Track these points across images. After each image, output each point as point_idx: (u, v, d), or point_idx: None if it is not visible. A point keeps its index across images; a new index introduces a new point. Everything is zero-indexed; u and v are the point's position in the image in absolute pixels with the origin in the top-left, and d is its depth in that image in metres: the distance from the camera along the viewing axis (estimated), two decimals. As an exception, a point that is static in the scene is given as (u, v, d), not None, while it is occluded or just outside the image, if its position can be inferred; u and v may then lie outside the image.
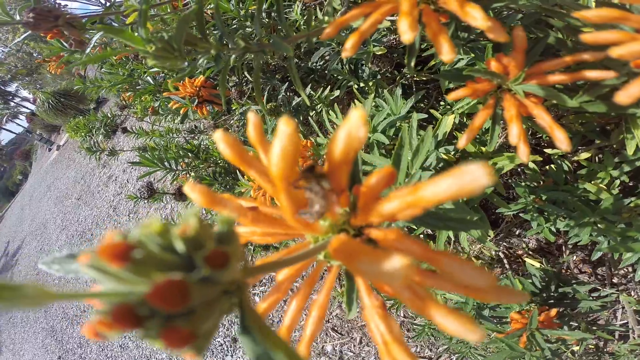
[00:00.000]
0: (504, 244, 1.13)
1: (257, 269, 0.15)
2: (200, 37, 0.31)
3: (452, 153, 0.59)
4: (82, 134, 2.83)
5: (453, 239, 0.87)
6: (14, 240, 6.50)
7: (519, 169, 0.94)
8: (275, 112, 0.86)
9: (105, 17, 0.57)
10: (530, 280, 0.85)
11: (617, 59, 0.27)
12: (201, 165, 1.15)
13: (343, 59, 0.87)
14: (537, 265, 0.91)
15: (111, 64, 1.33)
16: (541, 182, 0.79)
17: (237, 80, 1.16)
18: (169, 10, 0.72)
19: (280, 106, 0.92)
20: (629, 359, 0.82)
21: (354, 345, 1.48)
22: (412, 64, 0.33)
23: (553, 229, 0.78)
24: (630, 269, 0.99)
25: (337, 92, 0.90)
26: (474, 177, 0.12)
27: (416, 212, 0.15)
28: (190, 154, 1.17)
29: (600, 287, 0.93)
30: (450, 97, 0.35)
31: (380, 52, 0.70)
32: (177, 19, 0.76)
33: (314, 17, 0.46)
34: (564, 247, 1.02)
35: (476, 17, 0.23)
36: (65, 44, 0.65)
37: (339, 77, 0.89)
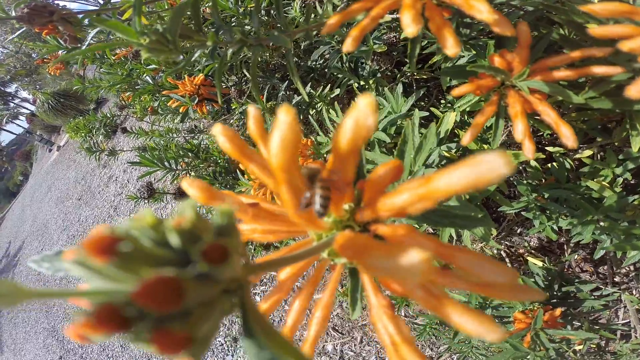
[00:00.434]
0: (506, 242, 1.12)
1: (260, 267, 0.14)
2: (196, 29, 0.31)
3: (454, 151, 0.59)
4: (82, 134, 2.83)
5: (455, 237, 0.86)
6: (15, 241, 6.50)
7: (520, 167, 0.94)
8: (275, 111, 0.85)
9: (101, 14, 0.56)
10: (532, 279, 0.84)
11: (625, 54, 0.26)
12: (201, 165, 1.14)
13: (343, 58, 0.86)
14: (540, 264, 0.91)
15: (110, 64, 1.33)
16: (543, 180, 0.78)
17: (237, 79, 1.15)
18: (166, 7, 0.72)
19: (280, 105, 0.91)
20: (630, 358, 0.82)
21: (355, 345, 1.48)
22: (415, 57, 0.32)
23: (555, 227, 0.77)
24: (631, 267, 0.98)
25: (337, 91, 0.89)
26: (492, 166, 0.11)
27: (428, 206, 0.14)
28: (190, 154, 1.17)
29: (602, 286, 0.92)
30: (454, 93, 0.34)
31: (380, 50, 0.70)
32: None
33: (312, 14, 0.46)
34: (565, 245, 1.01)
35: (482, 10, 0.23)
36: (61, 41, 0.65)
37: (339, 75, 0.88)
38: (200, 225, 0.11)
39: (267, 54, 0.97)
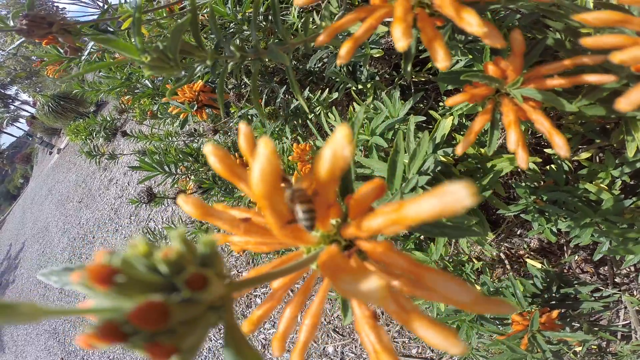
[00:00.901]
0: (505, 244, 1.12)
1: (244, 283, 0.15)
2: (196, 45, 0.31)
3: (451, 155, 0.59)
4: (83, 137, 2.83)
5: (454, 240, 0.86)
6: (16, 243, 6.52)
7: (519, 170, 0.94)
8: (273, 116, 0.85)
9: (100, 23, 0.57)
10: (531, 281, 0.84)
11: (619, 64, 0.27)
12: (201, 169, 1.14)
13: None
14: (539, 265, 0.91)
15: (109, 68, 1.33)
16: (542, 183, 0.78)
17: (236, 83, 1.15)
18: (164, 15, 0.72)
19: (279, 109, 0.92)
20: (631, 359, 0.82)
21: (355, 346, 1.48)
22: (409, 68, 0.32)
23: (554, 229, 0.77)
24: (632, 268, 0.98)
25: (335, 95, 0.90)
26: (456, 198, 0.12)
27: (400, 229, 0.15)
28: (189, 158, 1.17)
29: (602, 287, 0.92)
30: (448, 102, 0.35)
31: (377, 55, 0.70)
32: (173, 23, 0.76)
33: (311, 21, 0.46)
34: (565, 247, 1.01)
35: (472, 23, 0.23)
36: (61, 50, 0.65)
37: (337, 79, 0.88)
38: (185, 256, 0.13)
39: (266, 59, 0.97)
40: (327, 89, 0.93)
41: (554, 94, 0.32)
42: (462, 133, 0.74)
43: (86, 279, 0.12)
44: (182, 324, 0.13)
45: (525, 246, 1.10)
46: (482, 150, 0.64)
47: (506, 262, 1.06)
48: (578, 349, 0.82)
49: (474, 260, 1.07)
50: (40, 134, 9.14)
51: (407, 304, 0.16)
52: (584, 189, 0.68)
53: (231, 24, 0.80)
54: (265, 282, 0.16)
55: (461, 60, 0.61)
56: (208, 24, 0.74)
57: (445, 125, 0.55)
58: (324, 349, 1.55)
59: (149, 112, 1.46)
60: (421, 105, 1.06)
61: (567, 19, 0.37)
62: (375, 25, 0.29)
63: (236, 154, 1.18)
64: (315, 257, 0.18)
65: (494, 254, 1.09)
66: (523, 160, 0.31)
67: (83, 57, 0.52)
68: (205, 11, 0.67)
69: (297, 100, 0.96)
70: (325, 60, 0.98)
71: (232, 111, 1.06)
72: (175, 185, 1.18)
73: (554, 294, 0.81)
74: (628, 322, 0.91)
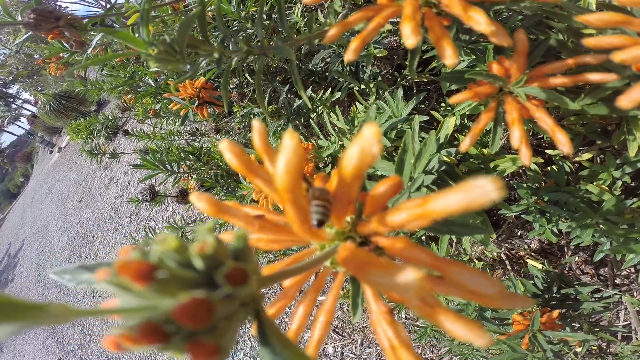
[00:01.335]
0: (506, 245, 1.13)
1: (268, 279, 0.15)
2: (203, 39, 0.32)
3: (454, 155, 0.59)
4: (84, 136, 2.84)
5: (455, 240, 0.87)
6: (16, 242, 6.51)
7: (520, 170, 0.94)
8: (276, 115, 0.86)
9: (106, 19, 0.57)
10: (532, 282, 0.84)
11: (619, 63, 0.27)
12: (203, 168, 1.15)
13: (344, 61, 0.87)
14: (539, 266, 0.91)
15: (112, 66, 1.34)
16: (543, 184, 0.79)
17: (238, 82, 1.16)
18: (169, 12, 0.73)
19: (282, 108, 0.92)
20: (632, 360, 0.82)
21: (355, 347, 1.48)
22: (415, 64, 0.33)
23: (555, 230, 0.78)
24: (632, 269, 0.98)
25: (338, 94, 0.90)
26: (483, 192, 0.12)
27: (425, 224, 0.15)
28: (191, 157, 1.17)
29: (602, 288, 0.92)
30: (452, 100, 0.35)
31: (381, 54, 0.71)
32: (177, 20, 0.76)
33: (315, 20, 0.46)
34: (566, 248, 1.02)
35: (480, 22, 0.23)
36: (66, 45, 0.66)
37: (340, 79, 0.89)
38: (220, 250, 0.13)
39: (270, 58, 0.98)
40: (330, 88, 0.94)
41: (557, 93, 0.33)
42: (464, 134, 0.74)
43: (121, 276, 0.11)
44: (221, 321, 0.12)
45: (525, 247, 1.11)
46: (485, 151, 0.65)
47: (507, 262, 1.07)
48: (578, 349, 0.82)
49: (475, 260, 1.07)
50: (41, 133, 9.15)
51: (431, 298, 0.16)
52: (585, 190, 0.68)
53: (234, 22, 0.81)
54: (287, 277, 0.16)
55: (464, 60, 0.62)
56: (212, 22, 0.75)
57: (449, 125, 0.55)
58: (323, 349, 1.54)
59: (151, 111, 1.47)
60: (423, 106, 1.06)
61: (569, 20, 0.38)
62: (382, 24, 0.29)
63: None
64: (331, 254, 0.18)
65: (495, 254, 1.09)
66: (526, 156, 0.32)
67: (88, 52, 0.53)
68: (210, 8, 0.68)
69: (299, 99, 0.97)
70: (328, 60, 0.98)
71: (235, 110, 1.06)
72: (177, 185, 1.19)
73: (554, 294, 0.82)
74: (628, 322, 0.92)
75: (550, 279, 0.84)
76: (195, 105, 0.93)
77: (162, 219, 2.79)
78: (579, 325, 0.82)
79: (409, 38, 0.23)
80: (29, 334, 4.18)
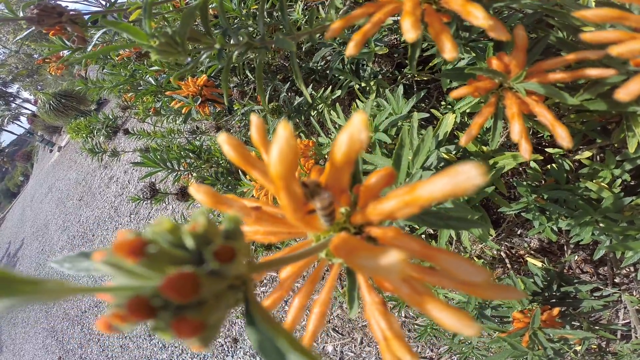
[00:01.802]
0: (506, 243, 1.13)
1: (262, 265, 0.16)
2: (204, 32, 0.32)
3: (453, 152, 0.60)
4: (83, 135, 2.84)
5: (455, 238, 0.87)
6: (15, 241, 6.51)
7: (520, 169, 0.95)
8: (277, 112, 0.86)
9: (107, 15, 0.58)
10: (532, 280, 0.85)
11: (617, 58, 0.27)
12: (203, 166, 1.15)
13: (344, 59, 0.87)
14: (539, 264, 0.91)
15: (113, 65, 1.34)
16: (543, 182, 0.79)
17: (239, 80, 1.16)
18: (171, 9, 0.73)
19: (282, 106, 0.92)
20: (631, 359, 0.82)
21: (355, 346, 1.48)
22: (415, 60, 0.33)
23: (555, 228, 0.78)
24: (632, 268, 0.99)
25: (338, 92, 0.90)
26: (468, 177, 0.12)
27: (414, 211, 0.15)
28: (192, 155, 1.18)
29: (602, 287, 0.92)
30: (453, 94, 0.35)
31: (381, 52, 0.71)
32: (178, 17, 0.77)
33: (315, 17, 0.47)
34: (565, 246, 1.02)
35: (478, 17, 0.24)
36: (67, 41, 0.66)
37: (341, 77, 0.89)
38: (211, 230, 0.13)
39: (270, 56, 0.98)
40: (330, 87, 0.94)
41: (556, 88, 0.33)
42: (464, 131, 0.74)
43: (113, 255, 0.12)
44: (208, 299, 0.13)
45: (525, 246, 1.11)
46: (485, 148, 0.65)
47: (507, 261, 1.07)
48: (578, 347, 0.82)
49: (475, 258, 1.07)
50: (41, 132, 9.15)
51: (420, 287, 0.16)
52: (585, 188, 0.69)
53: (235, 20, 0.81)
54: (283, 265, 0.17)
55: (464, 58, 0.62)
56: (213, 20, 0.75)
57: (448, 122, 0.55)
58: (323, 348, 1.55)
59: (152, 109, 1.47)
60: (423, 104, 1.06)
61: (569, 17, 0.38)
62: (383, 20, 0.29)
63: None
64: (326, 244, 0.19)
65: (495, 252, 1.09)
66: (526, 151, 0.32)
67: (89, 48, 0.53)
68: (212, 6, 0.68)
69: (300, 97, 0.97)
70: (329, 58, 0.98)
71: (235, 108, 1.06)
72: (177, 183, 1.19)
73: (554, 292, 0.82)
74: (628, 321, 0.92)
75: (550, 277, 0.85)
76: (198, 103, 0.93)
77: (162, 217, 2.79)
78: (578, 324, 0.83)
79: (409, 32, 0.23)
80: (28, 333, 4.19)
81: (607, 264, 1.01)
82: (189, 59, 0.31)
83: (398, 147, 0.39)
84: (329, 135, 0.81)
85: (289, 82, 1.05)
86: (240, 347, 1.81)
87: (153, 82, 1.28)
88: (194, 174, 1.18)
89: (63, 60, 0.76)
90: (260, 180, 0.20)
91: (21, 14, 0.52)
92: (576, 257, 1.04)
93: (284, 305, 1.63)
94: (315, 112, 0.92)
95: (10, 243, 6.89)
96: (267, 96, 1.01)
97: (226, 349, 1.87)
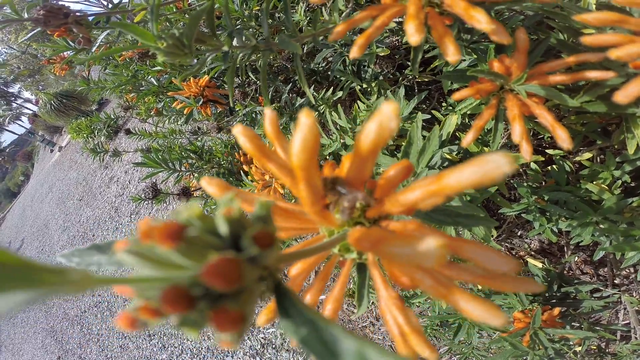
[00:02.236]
0: (506, 244, 1.13)
1: (286, 257, 0.15)
2: (210, 34, 0.32)
3: (455, 153, 0.60)
4: (84, 135, 2.84)
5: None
6: (16, 241, 6.51)
7: (521, 170, 0.95)
8: (279, 112, 0.87)
9: (111, 16, 0.58)
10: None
11: (616, 61, 0.28)
12: (204, 166, 1.15)
13: (346, 61, 0.88)
14: (539, 265, 0.92)
15: (115, 65, 1.35)
16: (543, 183, 0.79)
17: (241, 81, 1.17)
18: (174, 10, 0.74)
19: (284, 107, 0.93)
20: (631, 359, 0.82)
21: (356, 346, 1.48)
22: (418, 63, 0.34)
23: (555, 229, 0.78)
24: (632, 269, 0.99)
25: (339, 93, 0.91)
26: (497, 165, 0.12)
27: (438, 201, 0.15)
28: (193, 155, 1.18)
29: (602, 288, 0.93)
30: (455, 96, 0.36)
31: (383, 53, 0.71)
32: (181, 19, 0.77)
33: (319, 20, 0.47)
34: (565, 247, 1.02)
35: (481, 20, 0.24)
36: (71, 42, 0.67)
37: (342, 78, 0.89)
38: (244, 216, 0.13)
39: (272, 57, 0.99)
40: (332, 88, 0.95)
41: (557, 90, 0.33)
42: (465, 132, 0.75)
43: (142, 241, 0.11)
44: (246, 288, 0.12)
45: (526, 247, 1.11)
46: (486, 149, 0.65)
47: (507, 262, 1.07)
48: (578, 348, 0.82)
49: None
50: (41, 132, 9.16)
51: (444, 278, 0.16)
52: (585, 189, 0.69)
53: (237, 21, 0.82)
54: (301, 258, 0.16)
55: (465, 60, 0.63)
56: (216, 21, 0.76)
57: (451, 122, 0.56)
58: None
59: (153, 110, 1.48)
60: (424, 106, 1.07)
61: (569, 19, 0.39)
62: (387, 23, 0.30)
63: (240, 151, 1.19)
64: (340, 239, 0.18)
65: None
66: (527, 152, 0.32)
67: (93, 49, 0.54)
68: (215, 7, 0.69)
69: (302, 98, 0.97)
70: (330, 59, 0.99)
71: (237, 109, 1.07)
72: (179, 183, 1.19)
73: (554, 293, 0.82)
74: (627, 322, 0.92)
75: (550, 277, 0.85)
76: (200, 104, 0.94)
77: (163, 218, 2.80)
78: (578, 325, 0.83)
79: (413, 35, 0.24)
80: (28, 333, 4.18)
81: (607, 265, 1.01)
82: (195, 61, 0.32)
83: (406, 145, 0.39)
84: (330, 136, 0.81)
85: (290, 83, 1.06)
86: (240, 347, 1.81)
87: (155, 83, 1.28)
88: (195, 175, 1.19)
89: (67, 60, 0.77)
90: (276, 172, 0.20)
91: (26, 15, 0.52)
92: (576, 258, 1.04)
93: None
94: (317, 113, 0.93)
95: (10, 243, 6.89)
96: (269, 97, 1.02)
97: (226, 348, 1.87)
